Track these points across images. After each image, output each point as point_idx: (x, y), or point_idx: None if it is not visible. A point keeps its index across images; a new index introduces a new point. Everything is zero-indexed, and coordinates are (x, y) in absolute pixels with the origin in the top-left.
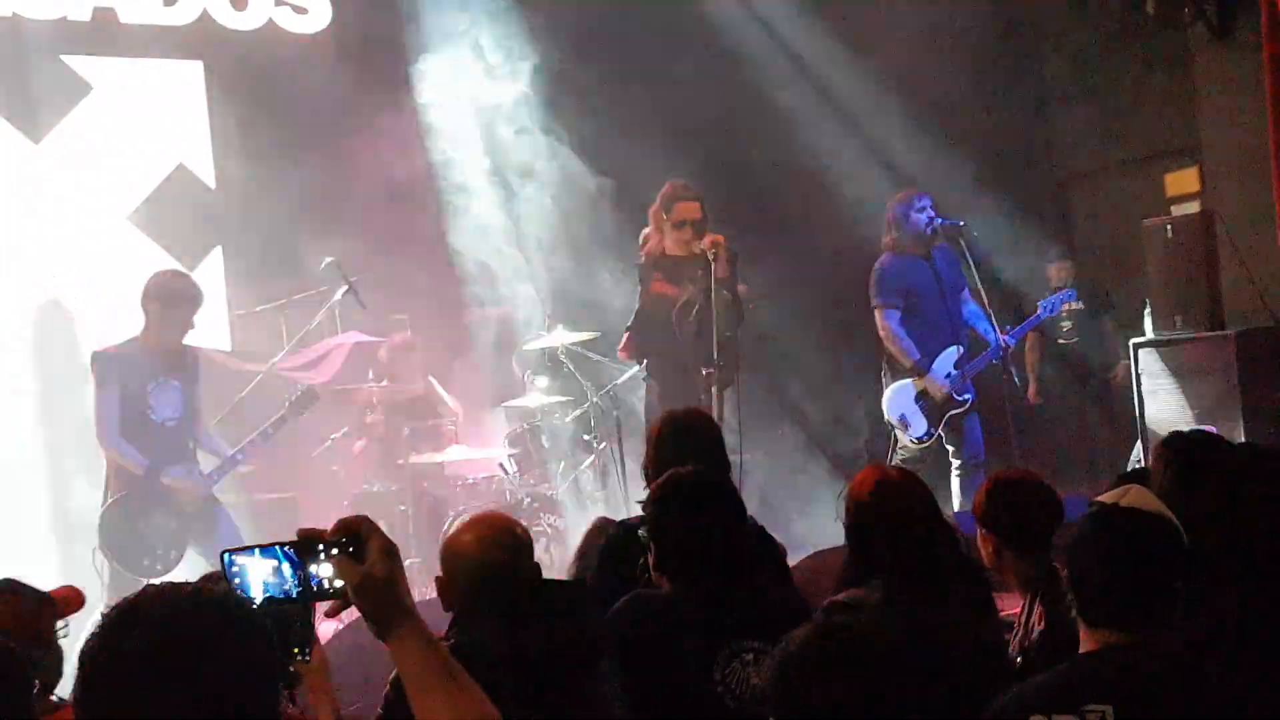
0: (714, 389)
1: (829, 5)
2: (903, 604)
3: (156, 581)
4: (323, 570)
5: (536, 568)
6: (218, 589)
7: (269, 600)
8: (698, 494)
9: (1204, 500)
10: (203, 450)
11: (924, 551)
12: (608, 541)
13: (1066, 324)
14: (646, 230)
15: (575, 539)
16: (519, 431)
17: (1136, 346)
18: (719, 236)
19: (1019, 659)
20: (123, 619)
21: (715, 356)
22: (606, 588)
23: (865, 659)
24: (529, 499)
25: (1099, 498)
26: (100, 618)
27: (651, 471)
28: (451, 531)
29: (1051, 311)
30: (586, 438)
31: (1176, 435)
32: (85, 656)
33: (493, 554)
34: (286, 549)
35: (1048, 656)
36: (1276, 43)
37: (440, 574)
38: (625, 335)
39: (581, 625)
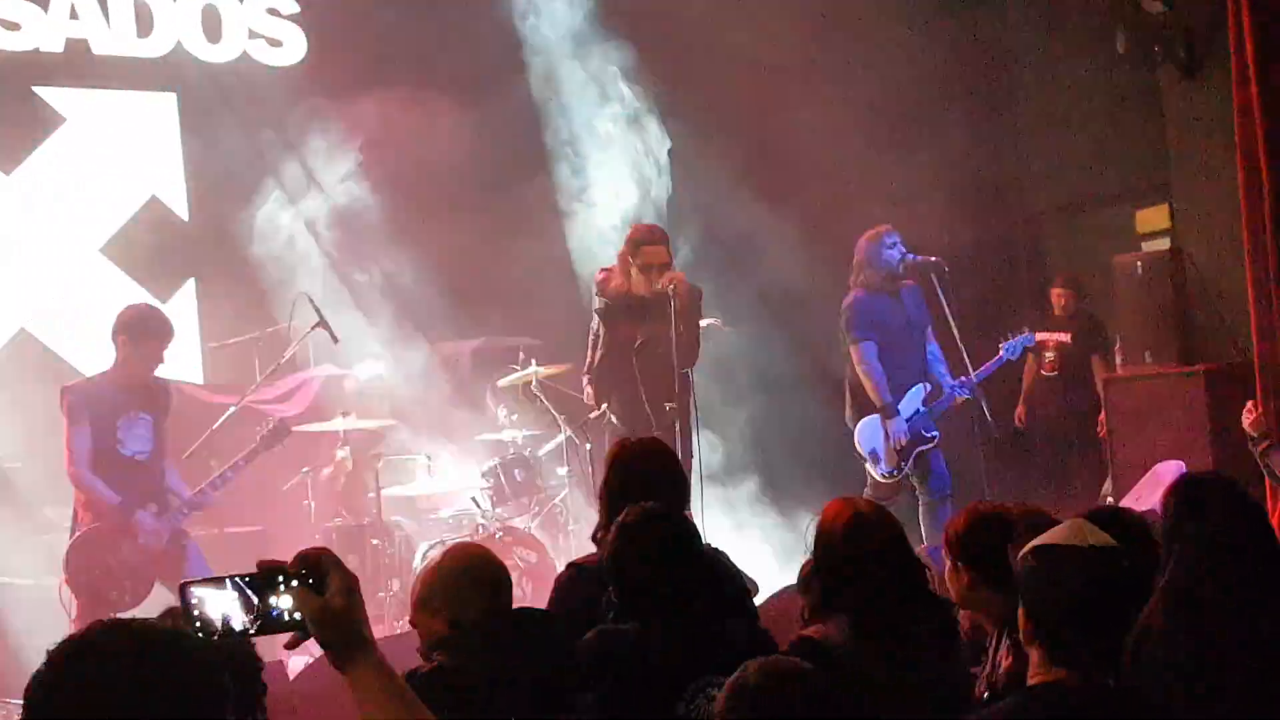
0: (674, 423)
1: (802, 34)
2: (871, 641)
3: (121, 615)
4: (282, 602)
5: (511, 595)
6: (166, 625)
7: (229, 632)
8: (653, 531)
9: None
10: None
11: (894, 587)
12: (556, 583)
13: (1050, 356)
14: (603, 271)
15: (548, 572)
16: (492, 465)
17: (1106, 383)
18: (679, 274)
19: (986, 694)
20: (70, 653)
21: (675, 391)
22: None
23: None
24: (501, 532)
25: (1045, 537)
26: (47, 653)
27: (606, 502)
28: (428, 561)
29: (1013, 354)
30: (560, 471)
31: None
32: (31, 689)
33: (470, 579)
34: (246, 580)
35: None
36: (1245, 88)
37: (413, 604)
38: (586, 380)
39: (555, 654)
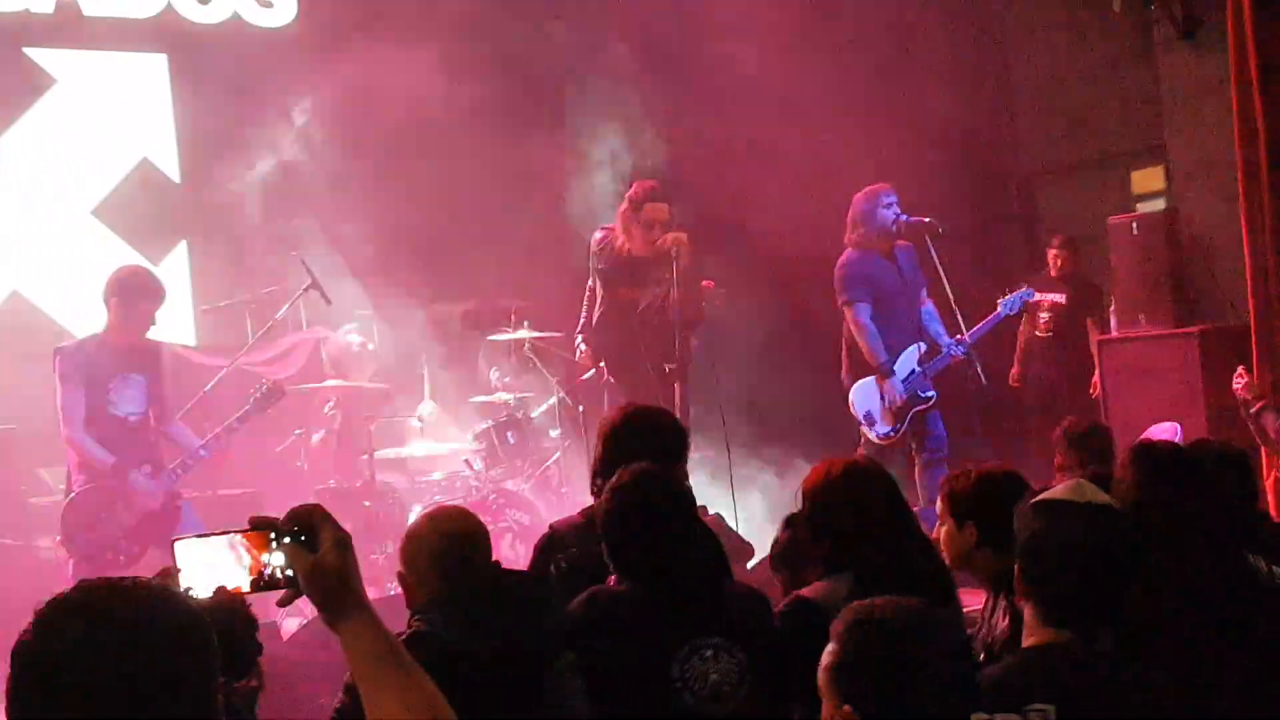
0: (675, 385)
1: (798, 3)
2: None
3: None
4: (275, 559)
5: (492, 558)
6: (155, 584)
7: (219, 589)
8: (648, 491)
9: (1162, 509)
10: (171, 443)
11: (892, 541)
12: (537, 545)
13: (1044, 316)
14: (604, 230)
15: (541, 534)
16: (485, 427)
17: (1100, 344)
18: (681, 234)
19: (983, 655)
20: (56, 612)
21: (676, 354)
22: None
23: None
24: (494, 494)
25: (1047, 493)
26: (34, 612)
27: (603, 466)
28: (410, 525)
29: (1010, 310)
30: (553, 433)
31: (1145, 445)
32: (18, 650)
33: (449, 542)
34: (238, 537)
35: (1012, 653)
36: (1242, 49)
37: (401, 568)
38: (580, 339)
39: (540, 617)
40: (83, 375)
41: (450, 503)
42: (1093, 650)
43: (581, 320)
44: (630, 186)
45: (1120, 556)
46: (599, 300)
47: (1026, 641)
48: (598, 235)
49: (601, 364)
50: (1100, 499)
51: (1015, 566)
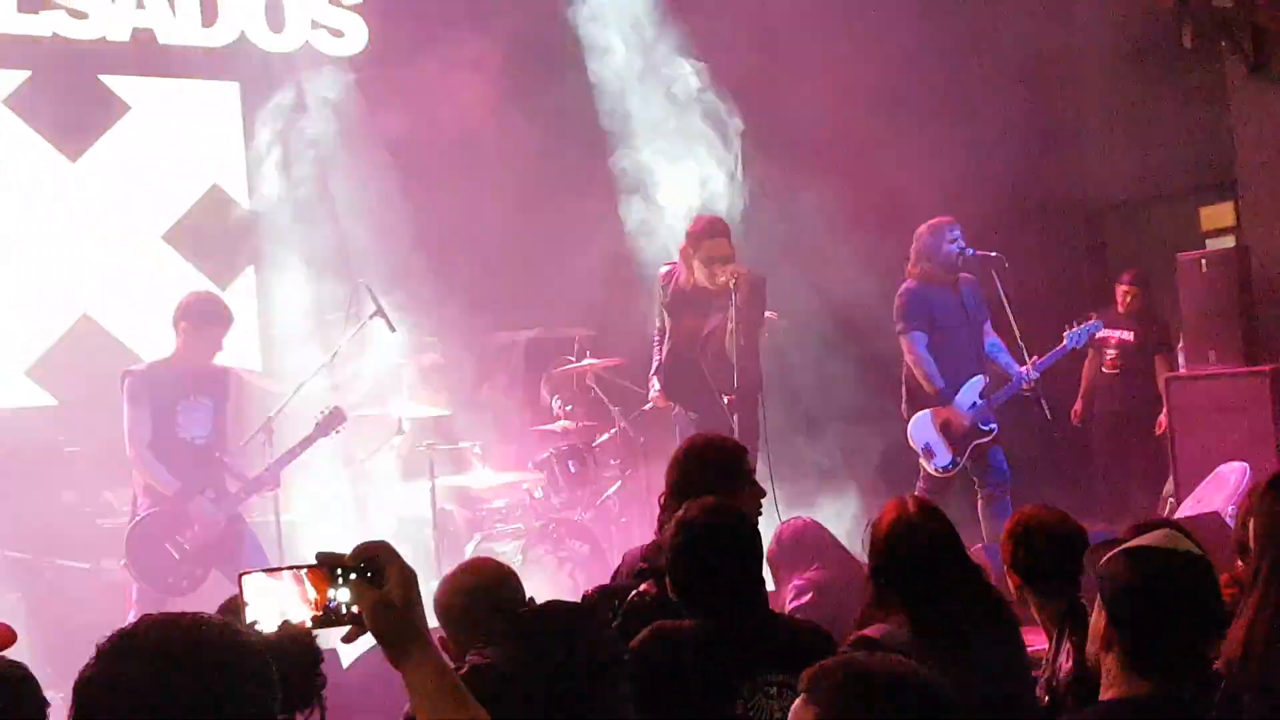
0: (734, 415)
1: (863, 32)
2: (928, 641)
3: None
4: (340, 595)
5: (522, 597)
6: (217, 620)
7: (284, 624)
8: (716, 525)
9: None
10: (235, 467)
11: (947, 587)
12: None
13: (1111, 353)
14: (668, 267)
15: (600, 564)
16: (546, 456)
17: (1168, 381)
18: (741, 267)
19: (1047, 698)
20: (119, 649)
21: (735, 384)
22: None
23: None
24: (555, 524)
25: (1137, 540)
26: (96, 647)
27: (670, 498)
28: (435, 592)
29: (1077, 342)
30: (614, 463)
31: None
32: (80, 685)
33: (471, 600)
34: (304, 573)
35: (1077, 696)
36: None
37: (441, 632)
38: (655, 380)
39: (588, 645)
40: (150, 398)
41: (515, 531)
42: (1185, 703)
43: (655, 362)
44: (691, 221)
45: (1213, 607)
46: (667, 334)
47: (1108, 693)
48: (663, 270)
49: (674, 407)
50: (1193, 549)
51: (1098, 614)
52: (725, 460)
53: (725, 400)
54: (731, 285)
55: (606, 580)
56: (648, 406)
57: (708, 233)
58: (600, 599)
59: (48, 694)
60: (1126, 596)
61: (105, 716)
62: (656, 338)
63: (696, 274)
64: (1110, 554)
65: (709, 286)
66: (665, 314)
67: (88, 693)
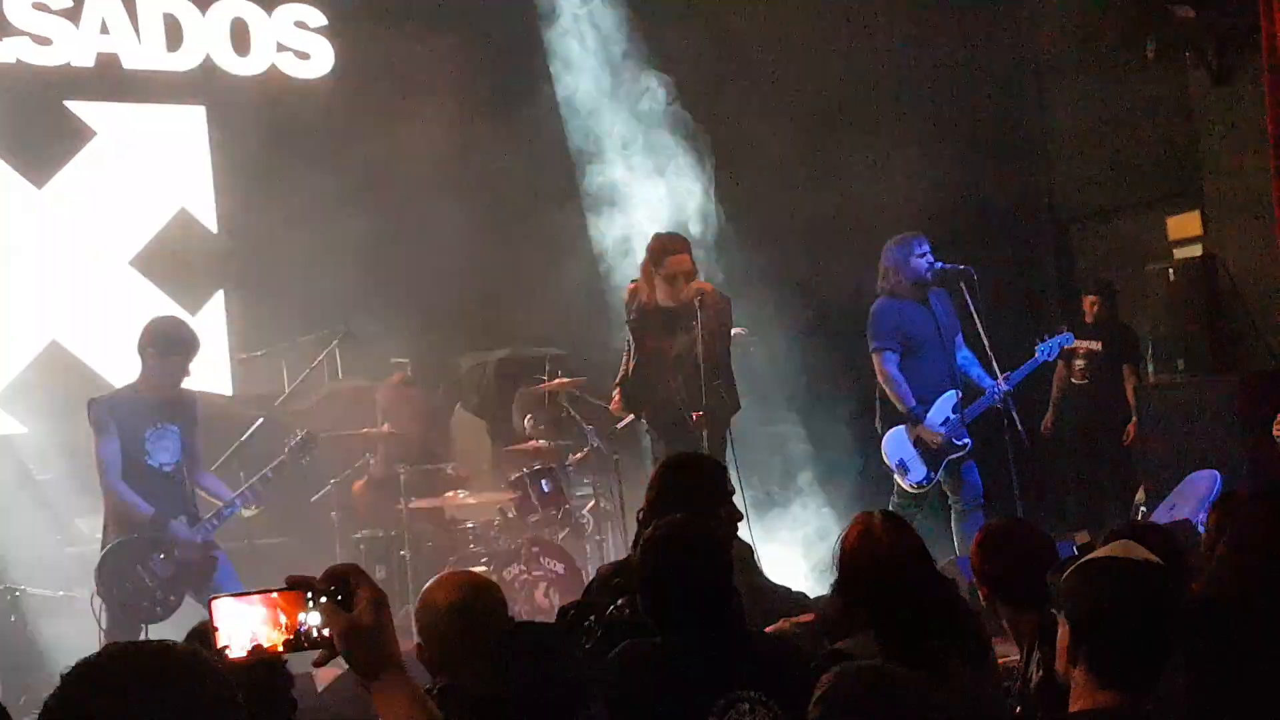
0: (704, 433)
1: (830, 45)
2: (898, 655)
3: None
4: (311, 618)
5: (504, 614)
6: (182, 647)
7: (255, 648)
8: (687, 542)
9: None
10: (203, 494)
11: (913, 602)
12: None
13: (1080, 363)
14: (632, 284)
15: (575, 582)
16: (519, 476)
17: (1137, 391)
18: (706, 284)
19: (1018, 708)
20: (83, 678)
21: (703, 401)
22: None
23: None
24: (529, 543)
25: (1099, 551)
26: (60, 677)
27: (651, 513)
28: (420, 598)
29: (1049, 355)
30: (587, 481)
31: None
32: (46, 712)
33: (455, 615)
34: (275, 596)
35: (1047, 707)
36: (1277, 94)
37: (418, 639)
38: (616, 391)
39: (559, 667)
40: (117, 426)
41: (489, 551)
42: (1143, 714)
43: (620, 372)
44: (651, 238)
45: (1174, 617)
46: (633, 351)
47: (1075, 705)
48: (629, 288)
49: (632, 417)
50: (1150, 557)
51: (1064, 629)
52: (704, 479)
53: (693, 417)
54: (696, 304)
55: None
56: (620, 425)
57: (667, 249)
58: (577, 614)
59: None
60: (1083, 609)
61: None
62: (626, 350)
63: (659, 292)
64: (1069, 568)
65: (672, 305)
66: (630, 333)
67: None
